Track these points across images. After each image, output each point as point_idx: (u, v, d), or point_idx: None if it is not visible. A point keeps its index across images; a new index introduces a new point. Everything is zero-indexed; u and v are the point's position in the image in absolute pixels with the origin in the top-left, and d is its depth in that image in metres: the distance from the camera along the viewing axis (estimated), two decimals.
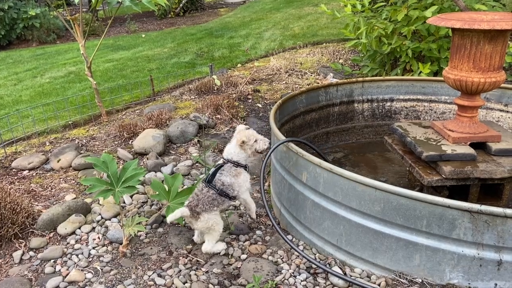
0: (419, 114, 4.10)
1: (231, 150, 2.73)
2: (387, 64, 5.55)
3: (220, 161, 2.77)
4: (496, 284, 2.21)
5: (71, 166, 4.01)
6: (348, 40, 6.23)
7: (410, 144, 3.00)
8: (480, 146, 2.90)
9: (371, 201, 2.34)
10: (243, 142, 2.69)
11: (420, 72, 4.80)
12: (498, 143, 2.87)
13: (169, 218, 2.61)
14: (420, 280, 2.34)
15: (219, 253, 2.76)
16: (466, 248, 2.20)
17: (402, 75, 5.19)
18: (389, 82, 4.11)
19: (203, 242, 2.80)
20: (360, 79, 4.11)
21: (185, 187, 3.49)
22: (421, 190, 2.98)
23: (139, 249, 2.88)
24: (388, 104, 4.15)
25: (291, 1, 13.18)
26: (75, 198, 3.49)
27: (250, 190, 2.84)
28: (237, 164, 2.70)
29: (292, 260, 2.70)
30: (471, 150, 2.79)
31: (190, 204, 2.65)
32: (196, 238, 2.86)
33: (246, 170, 2.76)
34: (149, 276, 2.62)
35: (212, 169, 2.73)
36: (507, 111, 3.75)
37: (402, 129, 3.18)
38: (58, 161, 4.03)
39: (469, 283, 2.25)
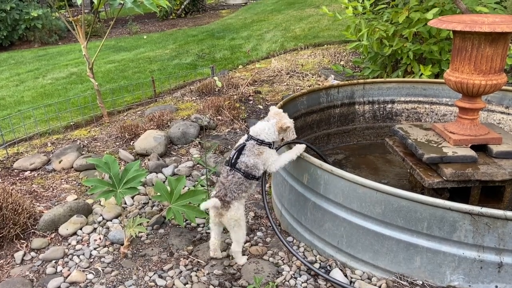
0: (420, 116, 4.11)
1: (266, 128, 2.58)
2: (388, 66, 5.56)
3: (242, 139, 2.64)
4: (496, 286, 2.21)
5: (72, 167, 4.02)
6: (349, 42, 6.24)
7: (411, 146, 3.00)
8: (481, 148, 2.90)
9: (372, 203, 2.34)
10: (287, 127, 2.60)
11: (421, 74, 4.81)
12: (499, 145, 2.88)
13: (202, 206, 2.51)
14: (421, 282, 2.34)
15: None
16: (466, 250, 2.20)
17: (403, 77, 5.19)
18: (390, 84, 4.11)
19: (216, 249, 2.74)
20: (361, 81, 4.11)
21: (186, 188, 3.50)
22: (422, 192, 2.98)
23: (140, 250, 2.88)
24: (389, 106, 4.15)
25: (292, 2, 13.21)
26: (76, 199, 3.50)
27: (281, 163, 2.63)
28: (261, 142, 2.56)
29: (293, 262, 2.70)
30: (472, 152, 2.80)
31: (218, 194, 2.53)
32: (213, 240, 2.71)
33: (270, 147, 2.60)
34: (150, 277, 2.62)
35: (233, 151, 2.58)
36: (508, 113, 3.75)
37: (403, 131, 3.18)
38: (59, 162, 4.04)
39: (469, 285, 2.25)
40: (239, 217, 2.55)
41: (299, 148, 2.67)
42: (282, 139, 2.69)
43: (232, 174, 2.53)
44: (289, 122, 2.62)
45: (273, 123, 2.60)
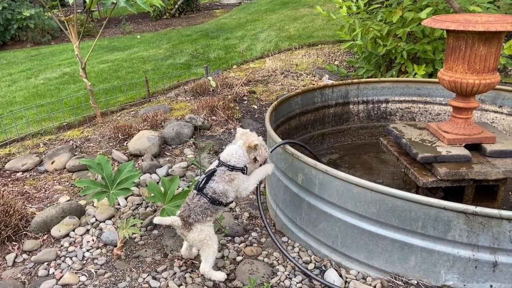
0: (414, 115, 4.11)
1: (233, 152, 2.44)
2: (382, 65, 5.56)
3: (213, 164, 2.54)
4: (491, 286, 2.21)
5: (65, 168, 3.98)
6: (344, 41, 6.25)
7: (405, 146, 3.00)
8: (475, 147, 2.91)
9: (366, 202, 2.34)
10: (256, 145, 2.44)
11: (415, 73, 4.82)
12: (493, 145, 2.88)
13: (156, 220, 2.43)
14: (416, 282, 2.33)
15: (215, 264, 2.66)
16: (461, 249, 2.20)
17: (397, 76, 5.20)
18: (384, 84, 4.12)
19: (191, 258, 2.71)
20: (356, 80, 4.11)
21: (180, 189, 3.48)
22: (416, 192, 2.98)
23: (134, 252, 2.86)
24: (384, 105, 4.15)
25: (287, 2, 13.20)
26: (69, 200, 3.46)
27: (253, 185, 2.52)
28: (232, 168, 2.44)
29: (287, 262, 2.69)
30: (466, 152, 2.80)
31: (182, 214, 2.44)
32: (183, 251, 2.69)
33: (243, 172, 2.47)
34: (144, 278, 2.60)
35: (203, 176, 2.47)
36: (502, 113, 3.76)
37: (397, 131, 3.18)
38: (52, 163, 4.00)
39: (464, 285, 2.25)
40: (202, 239, 2.43)
41: (268, 168, 2.57)
42: (255, 159, 2.52)
43: (198, 197, 2.43)
44: (256, 140, 2.46)
45: (240, 144, 2.46)
